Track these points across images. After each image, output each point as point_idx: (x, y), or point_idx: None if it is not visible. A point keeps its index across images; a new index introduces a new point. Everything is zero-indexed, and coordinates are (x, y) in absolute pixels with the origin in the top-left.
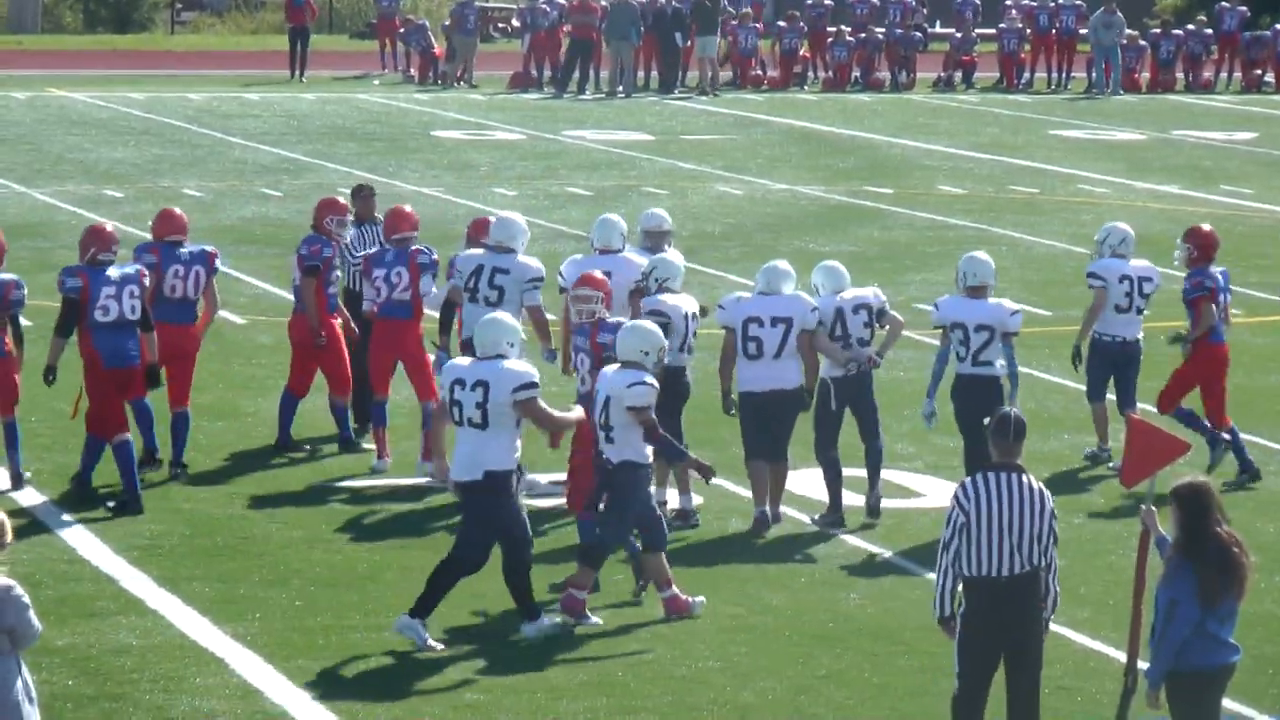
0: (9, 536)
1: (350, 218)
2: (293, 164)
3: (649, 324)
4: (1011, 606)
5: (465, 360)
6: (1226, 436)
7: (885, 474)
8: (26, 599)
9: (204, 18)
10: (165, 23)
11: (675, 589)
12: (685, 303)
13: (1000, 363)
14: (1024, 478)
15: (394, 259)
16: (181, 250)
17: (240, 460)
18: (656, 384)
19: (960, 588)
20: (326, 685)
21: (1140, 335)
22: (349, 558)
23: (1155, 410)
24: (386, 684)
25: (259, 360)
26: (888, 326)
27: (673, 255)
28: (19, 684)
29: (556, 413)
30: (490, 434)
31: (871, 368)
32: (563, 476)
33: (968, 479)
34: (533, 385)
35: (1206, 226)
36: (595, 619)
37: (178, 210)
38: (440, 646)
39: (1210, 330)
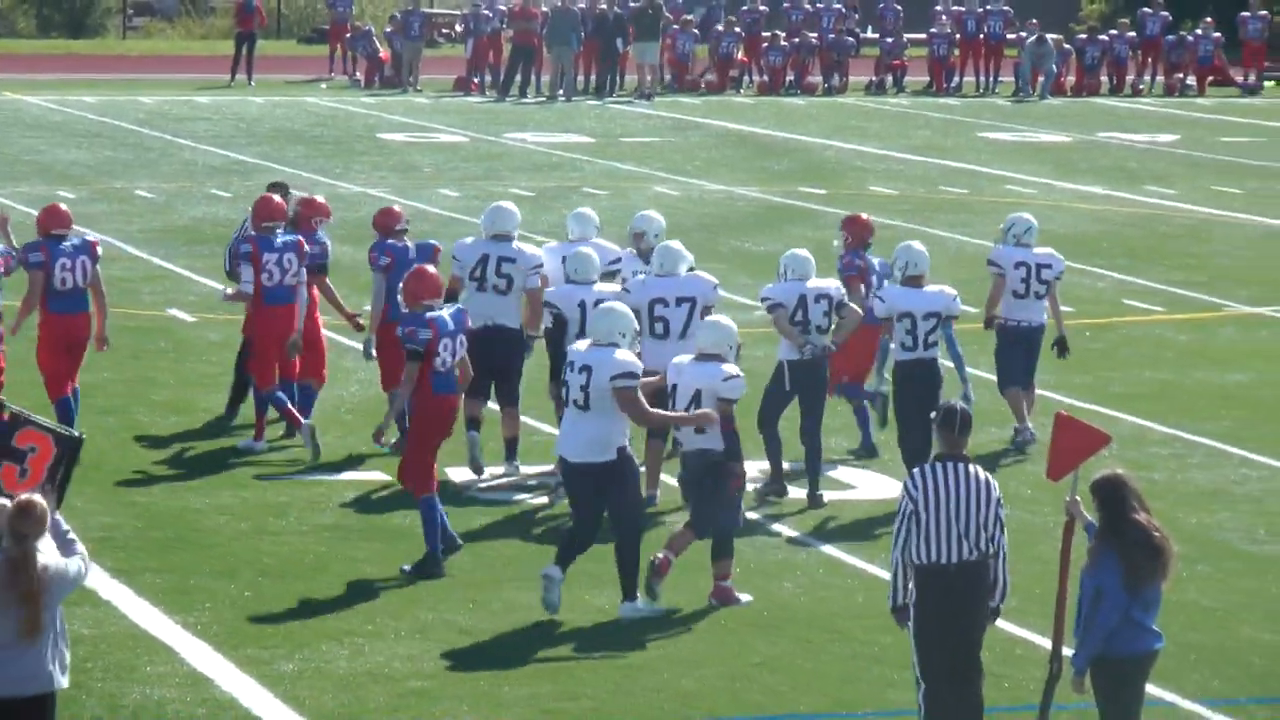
0: (47, 520)
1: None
2: (242, 166)
3: (727, 320)
4: (960, 594)
5: (584, 344)
6: (884, 390)
7: (828, 469)
8: (70, 571)
9: (155, 23)
10: (117, 28)
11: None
12: (597, 292)
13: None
14: (970, 468)
15: (284, 245)
16: (66, 244)
17: (191, 455)
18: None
19: (911, 577)
20: (275, 673)
21: (1044, 319)
22: (296, 550)
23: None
24: (333, 671)
25: (210, 358)
26: (844, 316)
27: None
28: (50, 649)
29: (650, 409)
30: (595, 414)
31: (826, 355)
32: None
33: (915, 470)
34: (631, 375)
35: (865, 216)
36: (746, 598)
37: (62, 205)
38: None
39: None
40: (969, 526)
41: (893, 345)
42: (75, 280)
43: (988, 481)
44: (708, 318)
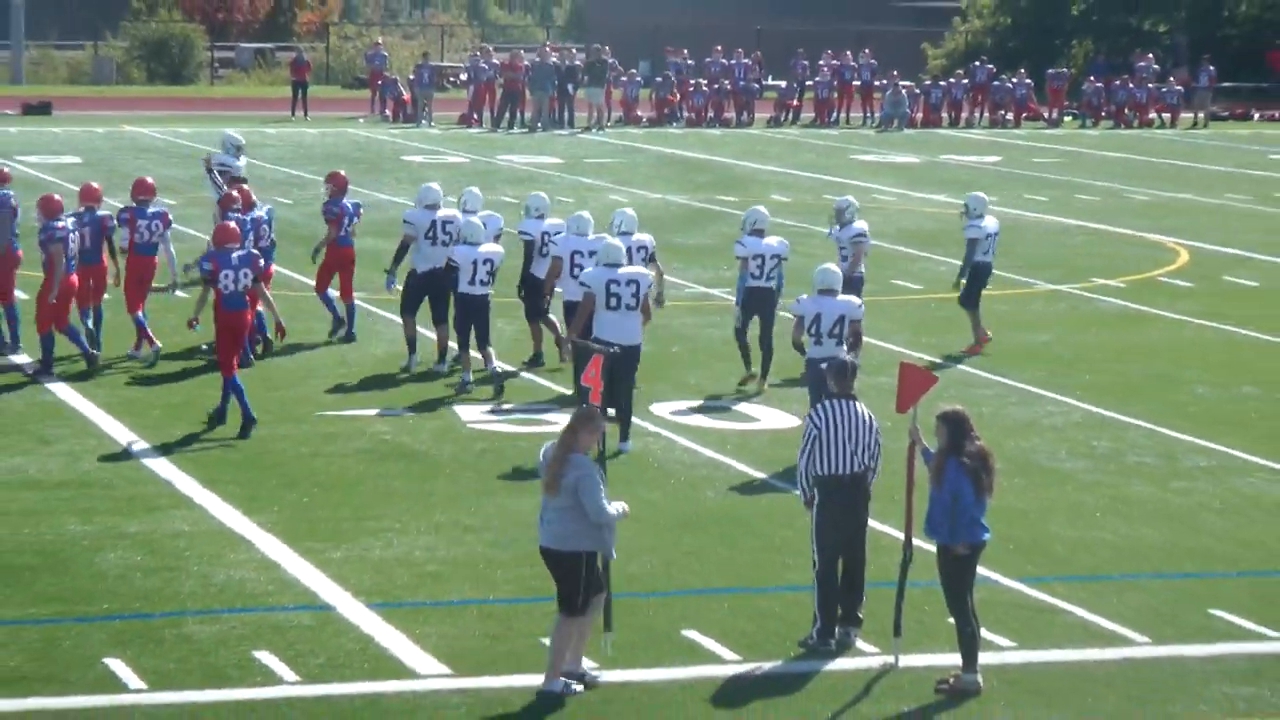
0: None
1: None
2: (299, 180)
3: (835, 266)
4: (850, 496)
5: (594, 269)
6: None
7: (738, 407)
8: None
9: (234, 73)
10: (206, 76)
11: None
12: (486, 250)
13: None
14: (858, 405)
15: (153, 215)
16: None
17: (263, 396)
18: None
19: (814, 484)
20: (327, 559)
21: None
22: (341, 467)
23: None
24: (370, 558)
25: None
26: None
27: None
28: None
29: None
30: (637, 312)
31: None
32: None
33: (818, 405)
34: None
35: (343, 172)
36: None
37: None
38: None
39: (340, 238)
40: (857, 446)
41: (749, 276)
42: (86, 242)
43: (870, 416)
44: (825, 265)
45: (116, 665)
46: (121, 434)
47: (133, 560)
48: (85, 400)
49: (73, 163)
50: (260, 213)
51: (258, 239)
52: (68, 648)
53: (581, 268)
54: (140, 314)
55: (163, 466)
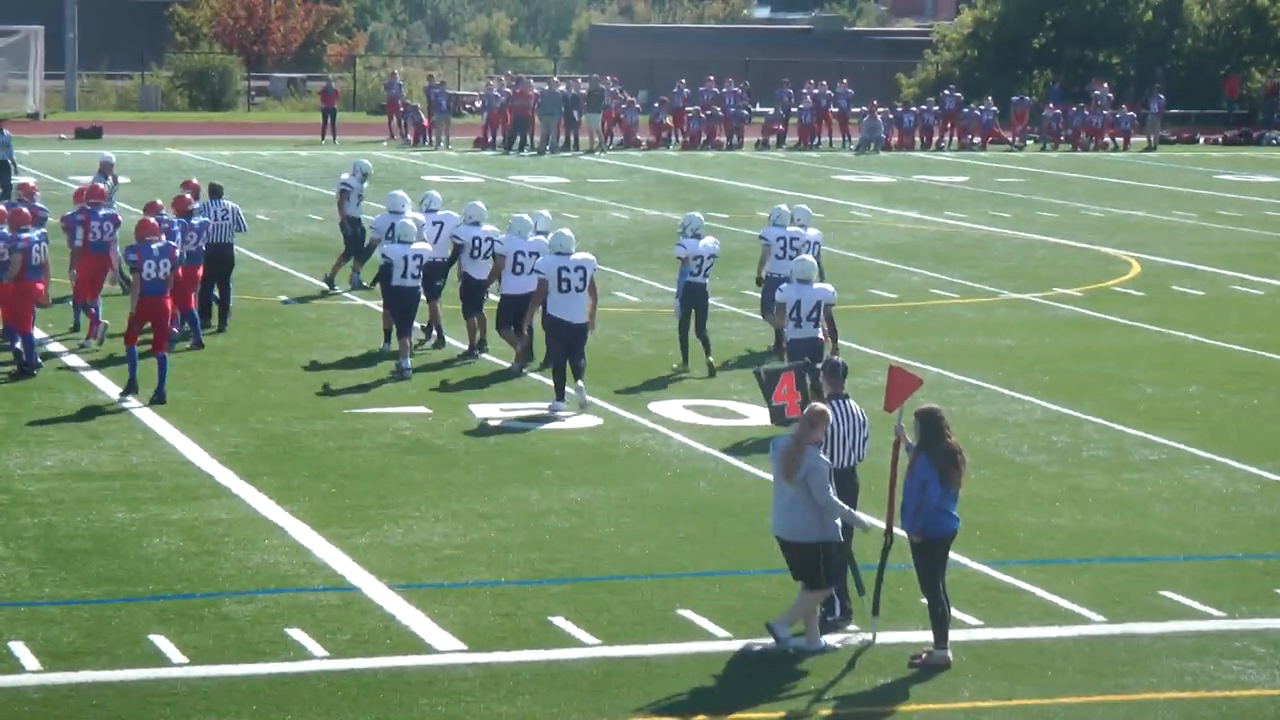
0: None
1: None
2: (329, 198)
3: (811, 258)
4: (848, 484)
5: (552, 256)
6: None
7: (724, 403)
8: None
9: (269, 100)
10: (244, 104)
11: None
12: (416, 247)
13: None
14: (851, 403)
15: (104, 217)
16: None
17: (294, 395)
18: None
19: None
20: (353, 545)
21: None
22: (366, 460)
23: None
24: (392, 543)
25: (307, 329)
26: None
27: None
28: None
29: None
30: (585, 294)
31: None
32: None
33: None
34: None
35: (195, 179)
36: None
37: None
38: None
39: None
40: (853, 443)
41: (687, 274)
42: (44, 255)
43: (862, 414)
44: (803, 256)
45: (161, 641)
46: (165, 429)
47: (176, 545)
48: (133, 399)
49: (122, 182)
50: (195, 220)
51: (185, 241)
52: (116, 625)
53: (523, 266)
54: (92, 303)
55: (203, 460)
